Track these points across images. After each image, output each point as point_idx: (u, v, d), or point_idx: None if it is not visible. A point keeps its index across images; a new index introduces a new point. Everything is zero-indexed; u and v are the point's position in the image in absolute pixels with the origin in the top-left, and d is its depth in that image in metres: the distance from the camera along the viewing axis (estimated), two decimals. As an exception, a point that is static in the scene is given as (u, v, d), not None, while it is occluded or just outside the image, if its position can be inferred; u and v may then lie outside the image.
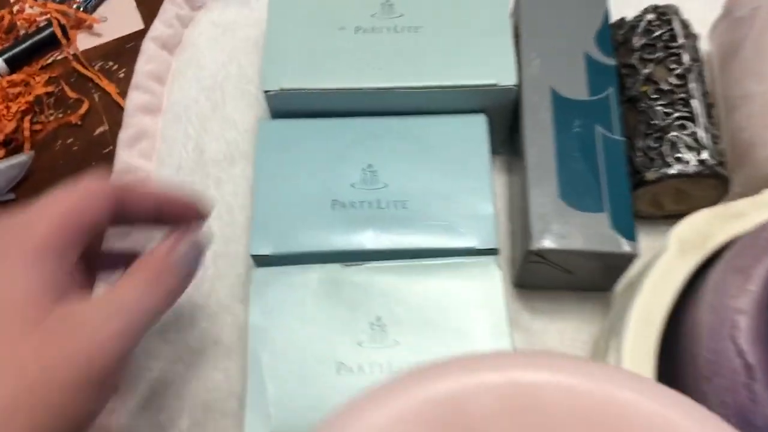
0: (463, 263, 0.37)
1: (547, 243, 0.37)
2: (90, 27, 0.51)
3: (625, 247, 0.36)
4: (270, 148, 0.40)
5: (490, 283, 0.36)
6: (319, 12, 0.42)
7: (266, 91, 0.40)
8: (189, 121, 0.46)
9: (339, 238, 0.37)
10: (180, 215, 0.34)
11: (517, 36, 0.42)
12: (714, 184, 0.40)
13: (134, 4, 0.52)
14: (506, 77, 0.40)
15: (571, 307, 0.41)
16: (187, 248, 0.31)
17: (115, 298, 0.28)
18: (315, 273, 0.37)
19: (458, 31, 0.41)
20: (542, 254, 0.37)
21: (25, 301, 0.26)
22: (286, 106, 0.41)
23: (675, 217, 0.42)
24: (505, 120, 0.43)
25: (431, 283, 0.37)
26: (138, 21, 0.51)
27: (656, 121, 0.40)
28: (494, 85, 0.40)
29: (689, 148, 0.39)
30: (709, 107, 0.41)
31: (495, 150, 0.44)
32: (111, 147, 0.47)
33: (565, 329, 0.40)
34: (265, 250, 0.37)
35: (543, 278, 0.40)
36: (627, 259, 0.37)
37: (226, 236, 0.43)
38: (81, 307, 0.27)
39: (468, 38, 0.41)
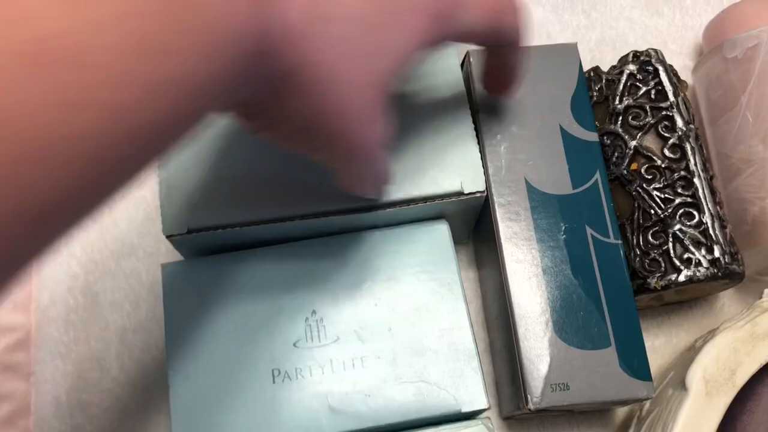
0: (447, 434, 0.30)
1: (547, 400, 0.30)
2: None
3: (641, 391, 0.30)
4: (182, 303, 0.31)
5: (483, 459, 0.29)
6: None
7: (168, 236, 0.30)
8: (72, 254, 0.36)
9: (288, 424, 0.29)
10: None
11: (473, 113, 0.34)
12: (726, 282, 0.33)
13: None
14: (472, 182, 0.31)
15: (570, 435, 0.35)
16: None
17: None
18: (264, 474, 0.29)
19: (402, 123, 0.32)
20: (541, 410, 0.30)
21: None
22: (198, 246, 0.31)
23: (675, 304, 0.36)
24: (470, 219, 0.35)
25: (411, 466, 0.29)
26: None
27: (654, 210, 0.33)
28: (459, 193, 0.31)
29: (697, 244, 0.32)
30: (711, 181, 0.34)
31: (458, 240, 0.36)
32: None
33: (567, 467, 0.34)
34: (196, 455, 0.29)
35: (536, 414, 0.33)
36: (640, 401, 0.31)
37: (142, 409, 0.34)
38: None
39: (416, 131, 0.32)
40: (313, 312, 0.31)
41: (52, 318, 0.35)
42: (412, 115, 0.32)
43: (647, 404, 0.32)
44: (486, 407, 0.30)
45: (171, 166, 0.31)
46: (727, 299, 0.37)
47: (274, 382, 0.30)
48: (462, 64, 0.35)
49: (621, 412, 0.35)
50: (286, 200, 0.31)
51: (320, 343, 0.31)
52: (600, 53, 0.41)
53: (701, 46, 0.40)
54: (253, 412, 0.29)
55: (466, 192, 0.31)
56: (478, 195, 0.31)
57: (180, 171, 0.31)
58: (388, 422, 0.29)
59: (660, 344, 0.36)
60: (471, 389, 0.30)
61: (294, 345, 0.30)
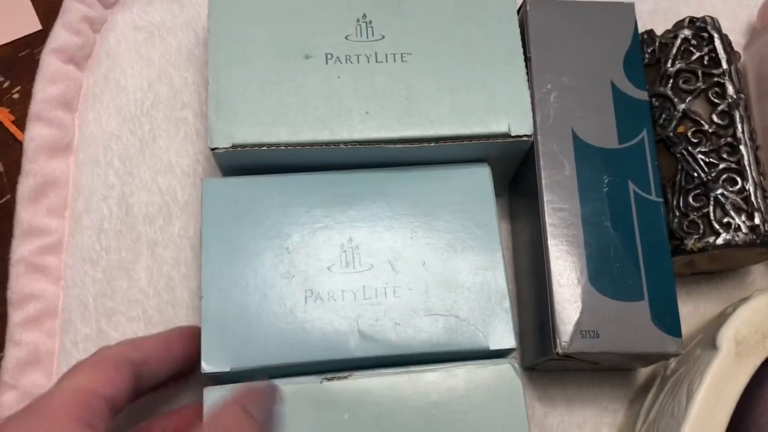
0: (472, 370, 0.30)
1: (576, 345, 0.30)
2: (-31, 27, 0.40)
3: (670, 346, 0.30)
4: (220, 218, 0.31)
5: (507, 397, 0.29)
6: (276, 34, 0.32)
7: (213, 149, 0.30)
8: (110, 164, 0.36)
9: (317, 343, 0.29)
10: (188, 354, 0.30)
11: (526, 60, 0.34)
12: (762, 252, 0.33)
13: (26, -5, 0.40)
14: (520, 124, 0.31)
15: (590, 392, 0.35)
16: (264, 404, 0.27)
17: None
18: (285, 391, 0.29)
19: (454, 60, 0.32)
20: (568, 356, 0.30)
21: None
22: (240, 163, 0.31)
23: (706, 274, 0.36)
24: (511, 166, 0.35)
25: (434, 397, 0.29)
26: (33, 20, 0.40)
27: (698, 174, 0.33)
28: (506, 135, 0.31)
29: (738, 210, 0.32)
30: (756, 151, 0.34)
31: (495, 193, 0.36)
32: (8, 195, 0.37)
33: (585, 422, 0.34)
34: (222, 365, 0.29)
35: (559, 365, 0.33)
36: (668, 357, 0.31)
37: (166, 322, 0.34)
38: None
39: (467, 69, 0.32)
40: (350, 239, 0.31)
41: (85, 226, 0.35)
42: (464, 55, 0.32)
43: (672, 364, 0.32)
44: (513, 347, 0.30)
45: (222, 81, 0.31)
46: (759, 274, 0.36)
47: (306, 302, 0.30)
48: (518, 10, 0.34)
49: (643, 372, 0.35)
50: (332, 125, 0.31)
51: (354, 270, 0.31)
52: (652, 24, 0.41)
53: (754, 25, 0.40)
54: (283, 329, 0.29)
55: (513, 134, 0.31)
56: (525, 139, 0.31)
57: (231, 86, 0.31)
58: (416, 352, 0.30)
59: (687, 312, 0.35)
60: (500, 328, 0.30)
61: (328, 269, 0.31)
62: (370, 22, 0.33)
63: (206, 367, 0.29)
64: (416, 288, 0.30)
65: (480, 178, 0.32)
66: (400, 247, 0.31)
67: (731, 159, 0.33)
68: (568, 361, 0.31)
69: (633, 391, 0.35)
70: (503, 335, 0.30)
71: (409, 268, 0.31)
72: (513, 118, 0.31)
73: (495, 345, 0.30)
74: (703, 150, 0.33)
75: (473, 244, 0.31)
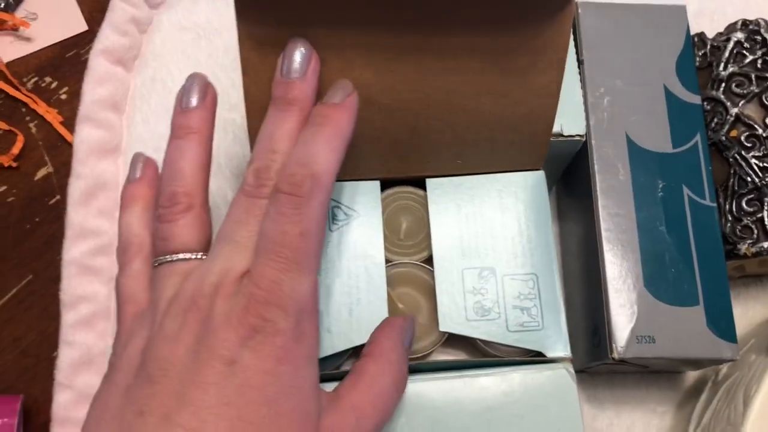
0: (527, 375, 0.30)
1: (632, 350, 0.30)
2: (14, 29, 0.39)
3: (726, 352, 0.30)
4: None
5: (562, 402, 0.29)
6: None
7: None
8: (159, 166, 0.36)
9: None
10: None
11: (579, 63, 0.34)
12: (816, 256, 0.33)
13: (72, -5, 0.40)
14: (573, 124, 0.31)
15: (638, 394, 0.35)
16: (409, 333, 0.28)
17: (361, 412, 0.25)
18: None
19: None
20: (624, 361, 0.30)
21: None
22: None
23: (755, 276, 0.36)
24: (559, 168, 0.35)
25: (489, 401, 0.29)
26: (79, 20, 0.40)
27: (751, 178, 0.33)
28: (558, 134, 0.31)
29: (793, 214, 0.32)
30: (810, 156, 0.34)
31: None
32: (59, 196, 0.37)
33: (634, 425, 0.34)
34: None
35: (609, 368, 0.33)
36: (723, 362, 0.31)
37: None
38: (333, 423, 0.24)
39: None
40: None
41: (136, 227, 0.35)
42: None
43: (724, 369, 0.32)
44: (568, 356, 0.30)
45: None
46: (808, 277, 0.36)
47: None
48: (571, 13, 0.34)
49: (691, 376, 0.35)
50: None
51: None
52: (697, 25, 0.40)
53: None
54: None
55: (565, 134, 0.31)
56: (577, 138, 0.31)
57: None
58: None
59: (736, 315, 0.35)
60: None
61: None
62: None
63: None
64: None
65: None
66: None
67: (785, 164, 0.33)
68: (620, 365, 0.31)
69: (681, 393, 0.35)
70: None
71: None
72: (565, 118, 0.31)
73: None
74: (756, 154, 0.33)
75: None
